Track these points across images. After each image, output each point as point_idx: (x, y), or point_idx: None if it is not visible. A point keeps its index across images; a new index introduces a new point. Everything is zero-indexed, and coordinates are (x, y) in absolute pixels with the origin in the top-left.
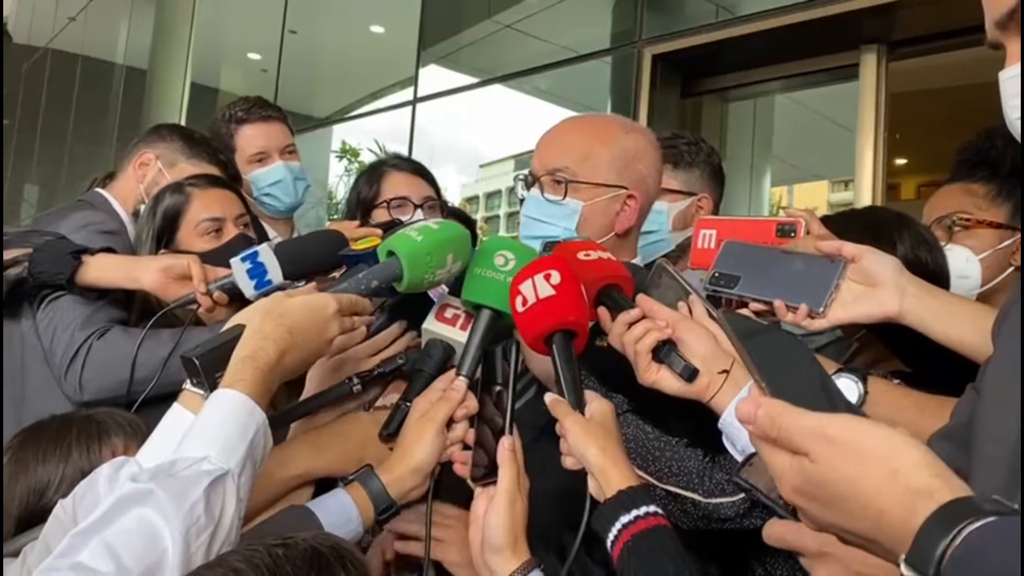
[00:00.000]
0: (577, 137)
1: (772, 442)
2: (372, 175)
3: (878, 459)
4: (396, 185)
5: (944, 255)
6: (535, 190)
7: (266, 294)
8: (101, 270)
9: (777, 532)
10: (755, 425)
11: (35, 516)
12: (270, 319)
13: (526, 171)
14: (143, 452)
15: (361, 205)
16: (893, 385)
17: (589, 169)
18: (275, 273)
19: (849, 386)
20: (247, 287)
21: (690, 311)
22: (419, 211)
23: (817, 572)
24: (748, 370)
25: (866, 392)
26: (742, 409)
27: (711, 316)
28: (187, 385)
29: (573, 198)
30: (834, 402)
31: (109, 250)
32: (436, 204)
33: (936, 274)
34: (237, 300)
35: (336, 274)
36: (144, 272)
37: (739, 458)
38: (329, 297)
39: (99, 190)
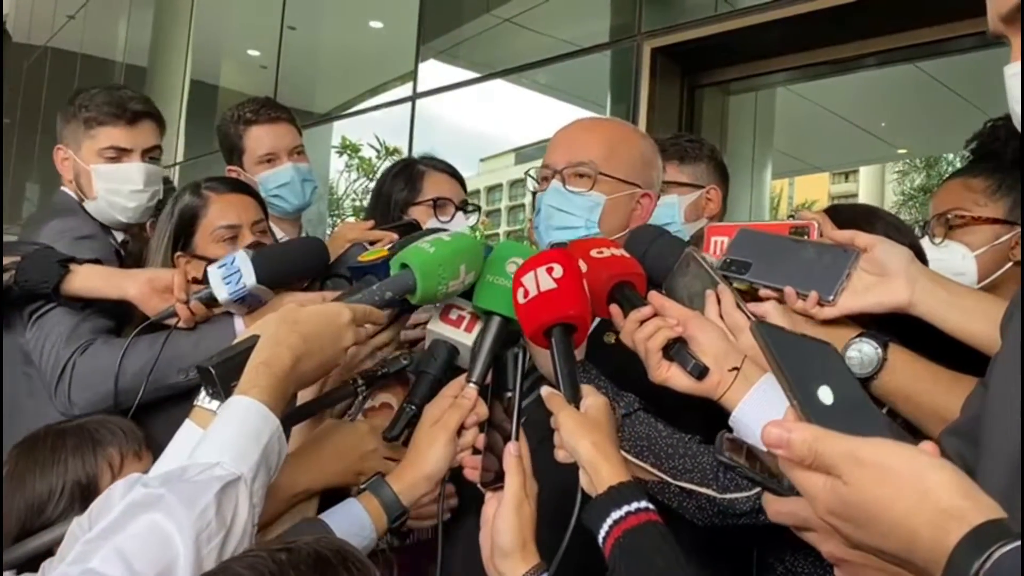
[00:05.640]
0: (601, 135)
1: (807, 467)
2: (409, 174)
3: (908, 480)
4: (439, 185)
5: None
6: (556, 182)
7: (241, 299)
8: (87, 280)
9: (776, 509)
10: (790, 451)
11: (34, 533)
12: (284, 326)
13: (534, 165)
14: (155, 469)
15: (398, 205)
16: (913, 355)
17: (613, 165)
18: (249, 278)
19: (869, 352)
20: (221, 292)
21: (719, 300)
22: (459, 213)
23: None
24: (782, 387)
25: (885, 359)
26: (771, 434)
27: (739, 307)
28: (198, 401)
29: (597, 191)
30: (873, 416)
31: (96, 262)
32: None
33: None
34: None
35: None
36: (130, 284)
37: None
38: (344, 306)
39: (64, 189)
